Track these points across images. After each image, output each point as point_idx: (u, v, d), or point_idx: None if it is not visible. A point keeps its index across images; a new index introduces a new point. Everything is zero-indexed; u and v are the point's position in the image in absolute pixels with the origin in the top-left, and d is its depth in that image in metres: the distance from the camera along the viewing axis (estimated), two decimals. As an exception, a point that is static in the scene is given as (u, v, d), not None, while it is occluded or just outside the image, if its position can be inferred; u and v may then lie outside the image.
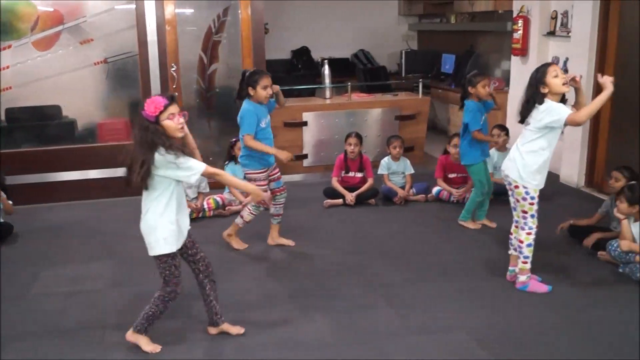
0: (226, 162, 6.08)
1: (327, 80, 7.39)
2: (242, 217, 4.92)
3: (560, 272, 4.42)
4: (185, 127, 3.26)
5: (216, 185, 6.09)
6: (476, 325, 3.68)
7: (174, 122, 3.18)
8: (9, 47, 6.36)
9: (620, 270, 4.40)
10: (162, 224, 3.26)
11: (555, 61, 7.05)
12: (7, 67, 6.36)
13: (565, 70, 6.82)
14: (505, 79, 7.82)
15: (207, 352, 3.49)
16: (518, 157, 3.99)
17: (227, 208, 5.89)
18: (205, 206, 5.79)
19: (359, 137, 6.16)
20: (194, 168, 3.21)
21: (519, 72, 7.48)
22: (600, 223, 4.96)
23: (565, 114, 3.78)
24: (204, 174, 3.26)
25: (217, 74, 6.76)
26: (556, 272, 4.41)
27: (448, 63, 9.11)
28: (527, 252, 4.04)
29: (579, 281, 4.29)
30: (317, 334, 3.64)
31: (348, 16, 10.06)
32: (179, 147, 3.19)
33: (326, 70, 7.36)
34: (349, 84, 7.30)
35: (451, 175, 6.19)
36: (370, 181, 6.17)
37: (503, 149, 6.14)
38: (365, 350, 3.46)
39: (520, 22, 7.28)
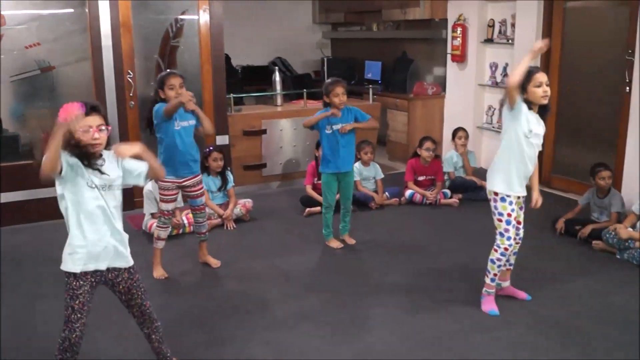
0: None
1: (278, 87, 7.25)
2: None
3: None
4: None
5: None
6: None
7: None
8: None
9: (618, 257, 4.74)
10: None
11: (494, 67, 7.45)
12: None
13: (506, 75, 7.20)
14: (441, 84, 8.11)
15: None
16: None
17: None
18: (185, 221, 5.45)
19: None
20: None
21: (456, 78, 7.83)
22: (582, 215, 5.34)
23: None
24: None
25: (175, 81, 6.38)
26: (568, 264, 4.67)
27: (372, 70, 9.28)
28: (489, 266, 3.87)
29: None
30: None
31: (263, 24, 9.92)
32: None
33: (277, 77, 7.23)
34: (304, 90, 7.20)
35: (420, 178, 6.33)
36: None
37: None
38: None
39: (459, 30, 7.60)
